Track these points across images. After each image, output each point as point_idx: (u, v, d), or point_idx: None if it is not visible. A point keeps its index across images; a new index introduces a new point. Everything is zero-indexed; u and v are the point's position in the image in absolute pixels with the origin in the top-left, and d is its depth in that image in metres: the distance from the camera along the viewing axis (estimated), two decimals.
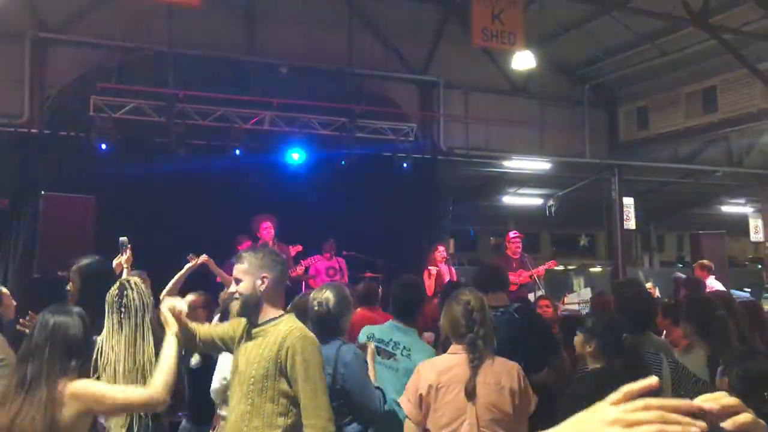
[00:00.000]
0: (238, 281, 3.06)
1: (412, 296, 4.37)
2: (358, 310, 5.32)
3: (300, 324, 3.07)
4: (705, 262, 9.88)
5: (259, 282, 3.02)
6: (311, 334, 3.05)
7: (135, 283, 3.55)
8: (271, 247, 3.27)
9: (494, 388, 3.16)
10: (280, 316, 3.06)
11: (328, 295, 3.64)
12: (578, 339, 3.52)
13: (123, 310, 3.43)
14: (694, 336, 3.96)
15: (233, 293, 3.10)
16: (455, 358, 3.26)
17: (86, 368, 2.91)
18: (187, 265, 5.13)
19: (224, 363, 3.99)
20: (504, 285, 4.53)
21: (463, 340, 3.24)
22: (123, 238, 4.58)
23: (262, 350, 2.97)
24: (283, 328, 2.99)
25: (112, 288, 3.54)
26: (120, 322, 3.40)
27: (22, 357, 2.78)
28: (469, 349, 3.20)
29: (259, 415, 2.90)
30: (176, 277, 5.05)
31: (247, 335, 3.09)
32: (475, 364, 3.16)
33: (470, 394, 3.12)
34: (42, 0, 10.83)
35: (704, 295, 4.36)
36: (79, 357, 2.78)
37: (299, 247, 9.37)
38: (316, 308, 3.61)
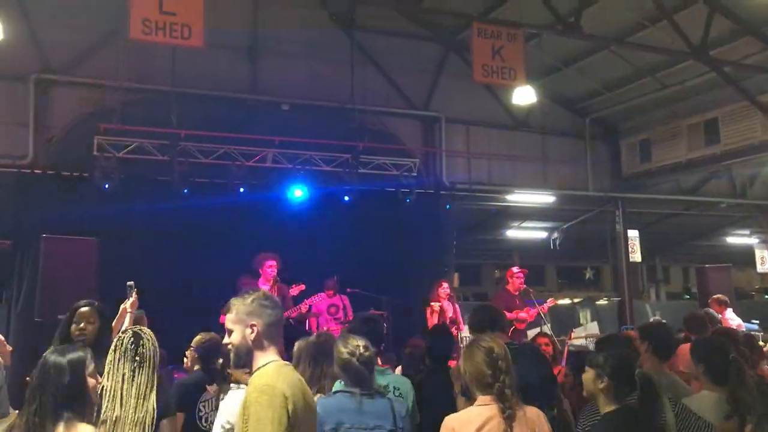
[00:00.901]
0: (229, 332, 2.97)
1: (375, 331, 4.35)
2: None
3: (274, 371, 2.85)
4: (720, 296, 9.79)
5: (249, 331, 2.91)
6: (275, 384, 2.78)
7: (150, 335, 3.50)
8: (262, 290, 3.10)
9: None
10: (266, 364, 2.91)
11: (365, 343, 3.61)
12: (588, 376, 3.41)
13: (137, 359, 3.37)
14: (704, 378, 3.86)
15: (226, 344, 3.00)
16: (487, 409, 3.12)
17: (90, 414, 2.85)
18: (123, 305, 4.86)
19: (228, 404, 3.84)
20: (502, 324, 4.44)
21: (491, 390, 3.13)
22: (130, 283, 4.57)
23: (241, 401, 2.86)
24: (254, 376, 2.87)
25: (125, 336, 3.47)
26: (133, 372, 3.33)
27: (28, 397, 2.79)
28: (499, 400, 3.09)
29: None
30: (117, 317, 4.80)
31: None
32: (508, 415, 3.06)
33: None
34: (46, 41, 10.93)
35: (716, 337, 4.26)
36: (73, 404, 2.75)
37: (302, 286, 9.30)
38: (359, 355, 3.55)
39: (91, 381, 2.91)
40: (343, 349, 3.57)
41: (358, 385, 3.54)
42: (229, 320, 2.97)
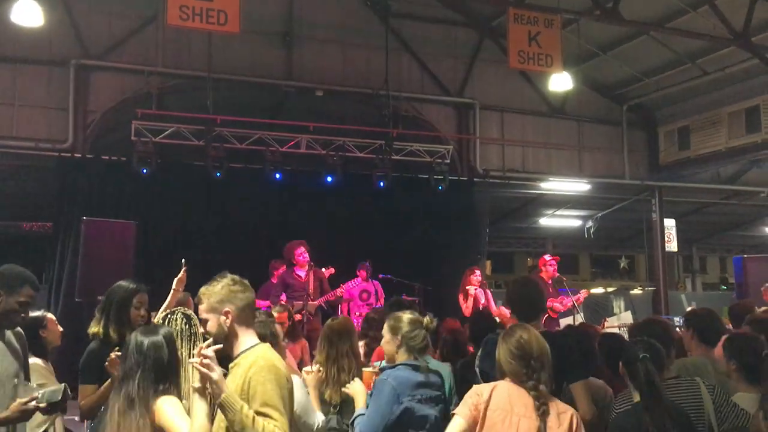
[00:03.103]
0: (204, 322, 2.97)
1: None
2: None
3: (270, 353, 2.91)
4: None
5: (223, 318, 2.90)
6: (277, 364, 2.86)
7: (193, 315, 3.55)
8: (230, 275, 3.05)
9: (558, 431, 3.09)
10: (253, 346, 2.91)
11: (433, 317, 3.70)
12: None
13: (192, 339, 3.46)
14: (737, 376, 3.73)
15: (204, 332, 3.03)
16: (515, 388, 3.15)
17: (177, 388, 2.97)
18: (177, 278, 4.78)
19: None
20: (542, 311, 4.40)
21: (525, 385, 3.13)
22: (183, 260, 4.60)
23: (235, 383, 2.84)
24: (251, 357, 2.86)
25: (175, 317, 3.53)
26: (190, 353, 3.36)
27: (122, 377, 2.95)
28: (533, 396, 3.10)
29: None
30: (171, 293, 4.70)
31: (228, 370, 3.00)
32: (542, 411, 3.06)
33: None
34: (85, 27, 11.10)
35: (750, 333, 4.13)
36: (167, 379, 2.91)
37: (332, 270, 9.35)
38: (426, 327, 3.64)
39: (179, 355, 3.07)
40: (407, 317, 3.61)
41: (421, 353, 3.59)
42: (202, 310, 2.96)
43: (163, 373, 2.90)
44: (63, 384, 3.44)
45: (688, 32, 11.48)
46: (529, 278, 4.29)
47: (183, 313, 3.55)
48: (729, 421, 3.46)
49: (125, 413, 2.83)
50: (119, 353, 3.69)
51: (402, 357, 3.65)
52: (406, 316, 3.69)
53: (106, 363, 3.83)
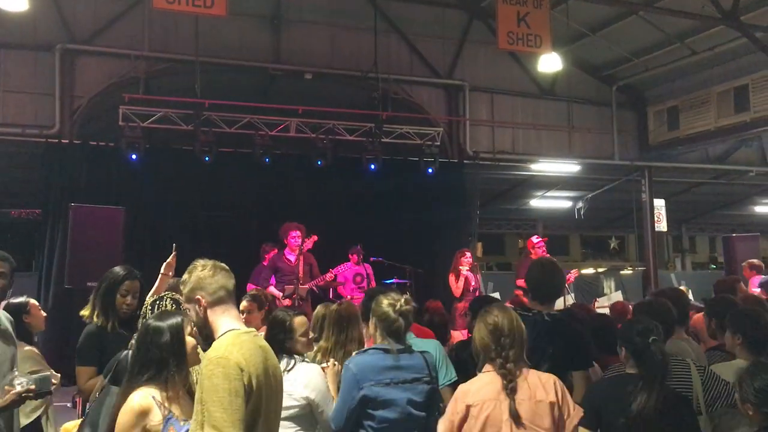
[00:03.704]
0: (187, 312, 2.94)
1: None
2: None
3: (228, 342, 2.69)
4: (755, 261, 9.59)
5: (197, 306, 2.82)
6: (226, 356, 2.61)
7: (177, 299, 3.56)
8: (200, 261, 2.94)
9: (528, 403, 3.10)
10: (223, 334, 2.76)
11: (408, 299, 3.65)
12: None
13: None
14: (741, 349, 3.82)
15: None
16: (487, 376, 3.20)
17: (175, 374, 2.92)
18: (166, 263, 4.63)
19: (300, 377, 3.85)
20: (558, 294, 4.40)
21: (494, 363, 3.18)
22: (174, 245, 4.55)
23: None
24: (209, 350, 2.72)
25: (166, 303, 3.52)
26: None
27: (131, 362, 2.96)
28: (501, 374, 3.14)
29: None
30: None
31: None
32: (510, 388, 3.11)
33: (516, 418, 3.06)
34: (70, 11, 10.98)
35: (754, 308, 4.20)
36: (163, 366, 2.86)
37: (314, 237, 9.00)
38: (401, 310, 3.58)
39: (190, 341, 2.97)
40: (385, 301, 3.58)
41: (394, 337, 3.54)
42: (183, 302, 2.95)
43: (154, 359, 2.87)
44: (49, 372, 3.47)
45: (676, 12, 11.46)
46: (548, 260, 4.30)
47: (171, 298, 3.54)
48: (720, 402, 3.52)
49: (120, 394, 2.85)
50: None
51: (378, 340, 3.62)
52: (382, 299, 3.63)
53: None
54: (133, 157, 10.14)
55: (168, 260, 4.42)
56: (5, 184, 12.70)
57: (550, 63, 11.17)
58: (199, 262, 2.88)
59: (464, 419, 3.14)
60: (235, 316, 2.86)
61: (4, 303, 4.65)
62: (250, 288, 8.13)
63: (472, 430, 3.11)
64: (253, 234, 10.49)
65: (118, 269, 4.34)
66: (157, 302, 3.55)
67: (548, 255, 9.78)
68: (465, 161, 13.17)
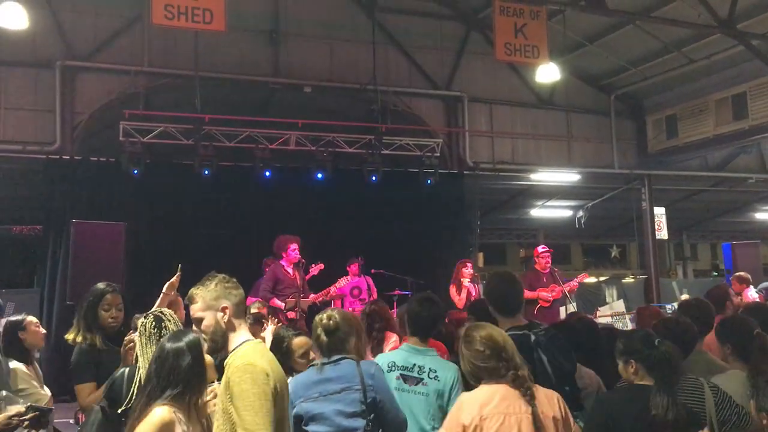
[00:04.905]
0: (198, 321, 2.97)
1: (432, 313, 4.14)
2: (404, 337, 5.23)
3: (252, 350, 2.90)
4: (742, 274, 9.60)
5: (221, 314, 2.93)
6: (257, 362, 2.82)
7: (170, 316, 3.55)
8: (220, 274, 3.09)
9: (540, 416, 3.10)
10: (240, 344, 2.93)
11: (332, 314, 3.62)
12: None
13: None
14: (730, 357, 3.83)
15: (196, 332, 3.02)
16: (494, 388, 3.17)
17: (195, 393, 2.91)
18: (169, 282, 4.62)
19: None
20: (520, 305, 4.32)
21: (505, 379, 3.14)
22: (180, 265, 4.53)
23: (223, 383, 2.88)
24: (232, 358, 2.89)
25: (148, 320, 3.51)
26: None
27: (145, 382, 2.95)
28: (517, 386, 3.11)
29: None
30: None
31: (220, 368, 3.03)
32: (529, 396, 3.09)
33: (539, 428, 3.05)
34: (70, 28, 11.06)
35: (739, 315, 4.21)
36: (179, 385, 2.83)
37: (321, 266, 9.27)
38: (323, 325, 3.58)
39: (208, 359, 2.98)
40: (316, 318, 3.60)
41: (325, 355, 3.54)
42: (196, 309, 2.97)
43: (176, 379, 2.84)
44: (46, 401, 3.45)
45: (673, 21, 11.52)
46: (506, 272, 4.23)
47: (155, 315, 3.53)
48: (731, 423, 3.50)
49: (138, 409, 2.83)
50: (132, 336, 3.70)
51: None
52: (316, 318, 3.66)
53: (122, 347, 3.81)
54: (135, 172, 10.16)
55: (172, 280, 4.41)
56: (6, 201, 12.72)
57: (548, 73, 11.22)
58: (221, 275, 3.02)
59: (467, 428, 3.09)
60: (247, 328, 3.01)
61: (4, 321, 4.66)
62: (250, 301, 8.12)
63: None
64: (254, 248, 10.50)
65: (98, 285, 4.36)
66: (143, 319, 3.55)
67: (550, 265, 9.82)
68: (465, 172, 13.19)
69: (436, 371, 3.88)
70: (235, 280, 3.06)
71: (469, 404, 3.16)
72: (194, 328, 3.02)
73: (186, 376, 2.85)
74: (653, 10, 11.74)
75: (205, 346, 2.97)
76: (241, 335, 2.95)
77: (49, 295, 10.02)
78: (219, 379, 3.11)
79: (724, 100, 13.47)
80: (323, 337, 3.58)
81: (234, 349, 2.91)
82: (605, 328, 5.49)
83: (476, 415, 3.09)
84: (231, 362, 2.84)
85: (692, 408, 3.34)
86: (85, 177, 10.53)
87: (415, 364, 3.91)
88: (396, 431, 3.51)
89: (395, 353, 4.15)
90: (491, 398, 3.13)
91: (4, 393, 3.65)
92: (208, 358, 2.98)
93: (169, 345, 2.91)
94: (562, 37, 11.78)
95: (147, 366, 3.22)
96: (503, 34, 9.99)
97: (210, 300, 2.93)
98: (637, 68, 13.83)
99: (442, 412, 3.69)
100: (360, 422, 3.41)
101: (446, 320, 5.86)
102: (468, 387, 3.81)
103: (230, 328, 2.94)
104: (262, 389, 2.74)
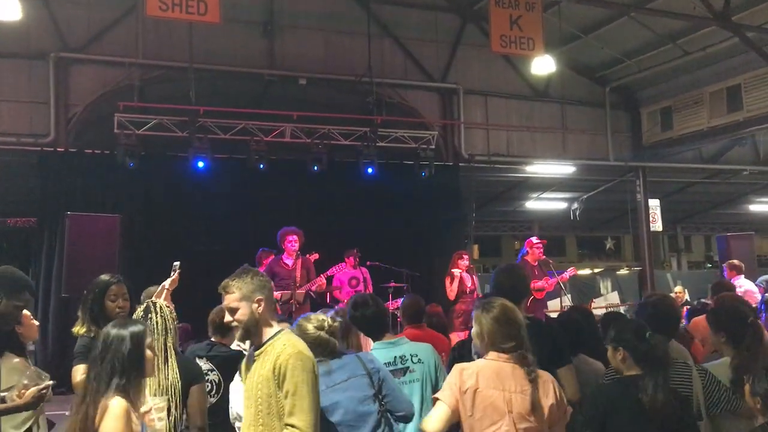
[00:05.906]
0: (233, 311, 3.13)
1: (369, 313, 4.21)
2: (406, 329, 5.28)
3: (294, 339, 3.13)
4: (735, 262, 9.70)
5: (255, 306, 3.12)
6: (304, 350, 3.08)
7: (160, 307, 3.58)
8: (253, 268, 3.23)
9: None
10: (276, 334, 3.14)
11: (325, 316, 3.65)
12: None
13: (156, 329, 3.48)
14: (724, 345, 3.86)
15: (229, 322, 3.15)
16: (495, 364, 3.20)
17: (135, 385, 2.87)
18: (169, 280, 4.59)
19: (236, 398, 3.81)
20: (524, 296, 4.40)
21: (512, 355, 3.19)
22: (176, 263, 4.52)
23: (264, 370, 3.04)
24: (278, 345, 3.07)
25: (138, 310, 3.56)
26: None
27: (89, 366, 2.93)
28: (521, 363, 3.17)
29: None
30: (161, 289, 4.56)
31: (251, 358, 3.18)
32: (533, 378, 3.14)
33: (535, 407, 3.11)
34: (63, 20, 11.00)
35: (732, 304, 4.24)
36: (125, 375, 2.79)
37: (316, 255, 9.26)
38: (326, 329, 3.57)
39: (148, 353, 2.93)
40: (310, 326, 3.55)
41: (329, 355, 3.56)
42: (232, 299, 3.12)
43: (122, 367, 2.80)
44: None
45: (668, 12, 11.52)
46: (512, 265, 4.33)
47: (146, 305, 3.57)
48: (720, 406, 3.54)
49: (78, 406, 2.79)
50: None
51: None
52: (306, 324, 3.59)
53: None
54: (131, 165, 10.13)
55: (173, 277, 4.43)
56: (1, 193, 12.69)
57: (543, 65, 11.22)
58: (255, 269, 3.27)
59: (463, 394, 3.14)
60: (277, 321, 3.27)
61: None
62: None
63: (476, 415, 3.11)
64: (250, 240, 10.50)
65: (102, 277, 4.33)
66: (137, 311, 3.59)
67: (544, 257, 9.84)
68: (460, 164, 13.21)
69: (416, 355, 4.12)
70: (266, 275, 3.31)
71: (468, 373, 3.19)
72: (227, 317, 3.16)
73: (126, 363, 2.80)
74: (648, 2, 11.74)
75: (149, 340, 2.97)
76: (273, 327, 3.17)
77: (44, 287, 9.99)
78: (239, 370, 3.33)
79: (719, 92, 13.49)
80: (329, 338, 3.61)
81: (271, 338, 3.12)
82: (612, 313, 5.53)
83: (472, 386, 3.14)
84: (279, 350, 3.03)
85: (681, 392, 3.39)
86: (80, 169, 10.51)
87: (395, 356, 4.08)
88: (406, 410, 3.58)
89: (375, 353, 4.19)
90: (492, 370, 3.17)
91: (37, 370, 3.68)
92: (149, 353, 2.92)
93: (114, 331, 2.88)
94: (558, 29, 11.78)
95: None
96: (499, 26, 9.99)
97: (247, 292, 3.11)
98: (632, 60, 13.84)
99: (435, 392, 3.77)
100: (373, 406, 3.47)
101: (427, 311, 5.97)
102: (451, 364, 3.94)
103: (265, 318, 3.15)
104: (311, 376, 3.02)
